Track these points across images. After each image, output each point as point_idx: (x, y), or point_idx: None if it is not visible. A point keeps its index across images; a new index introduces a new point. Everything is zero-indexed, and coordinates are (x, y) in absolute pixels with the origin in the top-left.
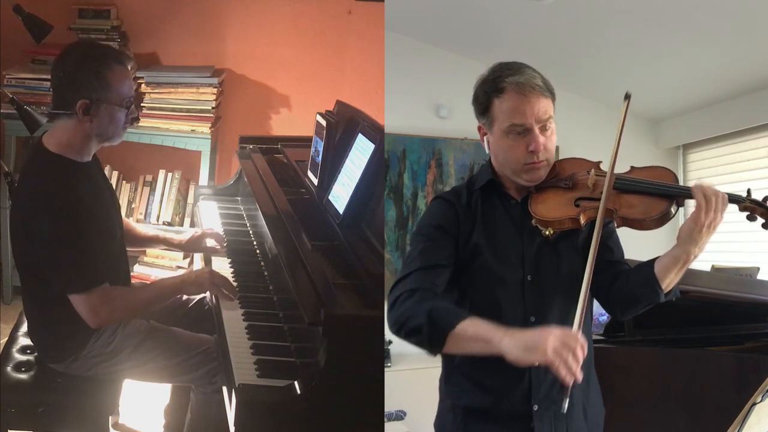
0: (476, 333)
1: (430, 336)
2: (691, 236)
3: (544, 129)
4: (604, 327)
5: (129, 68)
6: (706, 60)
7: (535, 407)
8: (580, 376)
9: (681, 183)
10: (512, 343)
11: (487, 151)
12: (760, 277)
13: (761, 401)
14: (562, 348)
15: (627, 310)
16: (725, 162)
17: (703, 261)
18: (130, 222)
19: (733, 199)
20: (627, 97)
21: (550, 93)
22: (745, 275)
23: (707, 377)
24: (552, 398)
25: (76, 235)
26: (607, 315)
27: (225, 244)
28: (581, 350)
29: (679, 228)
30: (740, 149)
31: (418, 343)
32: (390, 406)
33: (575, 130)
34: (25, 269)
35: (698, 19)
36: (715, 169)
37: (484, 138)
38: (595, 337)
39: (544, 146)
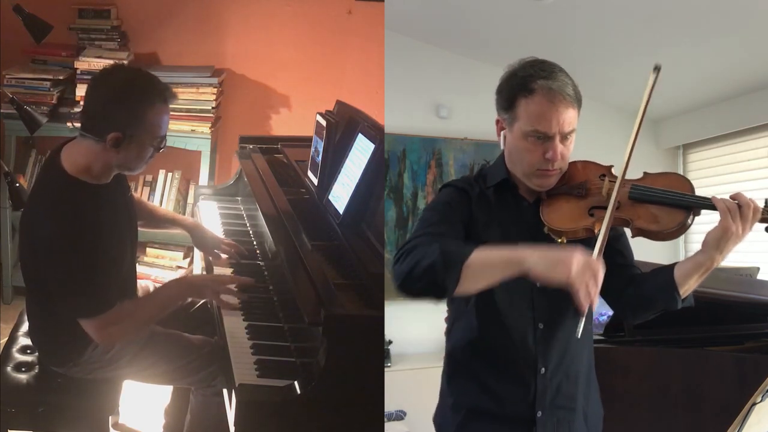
0: (496, 254)
1: (444, 269)
2: (719, 244)
3: (564, 138)
4: (604, 327)
5: (169, 105)
6: (706, 60)
7: (539, 413)
8: (596, 302)
9: None
10: (538, 258)
11: (501, 147)
12: (760, 277)
13: (761, 401)
14: (585, 271)
15: (641, 314)
16: (725, 162)
17: None
18: (149, 203)
19: None
20: (656, 68)
21: (578, 103)
22: (745, 275)
23: (707, 377)
24: (556, 405)
25: (87, 264)
26: (607, 315)
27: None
28: (600, 279)
29: (705, 234)
30: (740, 149)
31: (431, 283)
32: (390, 406)
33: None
34: (32, 278)
35: (698, 19)
36: (715, 169)
37: (501, 132)
38: (594, 337)
39: (561, 155)
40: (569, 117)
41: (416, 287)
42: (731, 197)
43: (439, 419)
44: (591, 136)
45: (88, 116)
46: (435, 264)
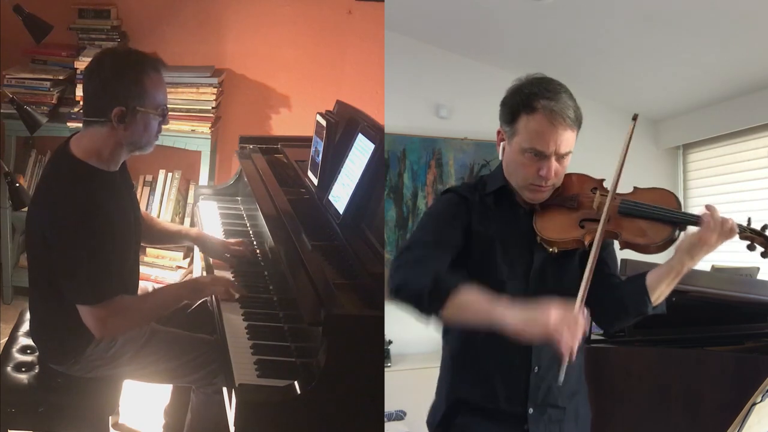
0: (478, 300)
1: (431, 294)
2: (691, 250)
3: (560, 158)
4: None
5: (163, 75)
6: (706, 60)
7: (531, 410)
8: (575, 355)
9: (681, 185)
10: (514, 316)
11: (500, 157)
12: (760, 277)
13: (761, 401)
14: (563, 323)
15: (615, 321)
16: (725, 162)
17: (703, 261)
18: (150, 216)
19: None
20: (634, 118)
21: (578, 124)
22: (745, 275)
23: (707, 377)
24: (548, 403)
25: (94, 248)
26: None
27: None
28: (580, 329)
29: (680, 241)
30: (740, 149)
31: (418, 303)
32: (390, 406)
33: None
34: (38, 271)
35: (698, 19)
36: (715, 169)
37: (501, 143)
38: (595, 336)
39: (555, 173)
40: (567, 139)
41: (402, 304)
42: (706, 207)
43: (431, 414)
44: (590, 136)
45: (89, 101)
46: (422, 290)
